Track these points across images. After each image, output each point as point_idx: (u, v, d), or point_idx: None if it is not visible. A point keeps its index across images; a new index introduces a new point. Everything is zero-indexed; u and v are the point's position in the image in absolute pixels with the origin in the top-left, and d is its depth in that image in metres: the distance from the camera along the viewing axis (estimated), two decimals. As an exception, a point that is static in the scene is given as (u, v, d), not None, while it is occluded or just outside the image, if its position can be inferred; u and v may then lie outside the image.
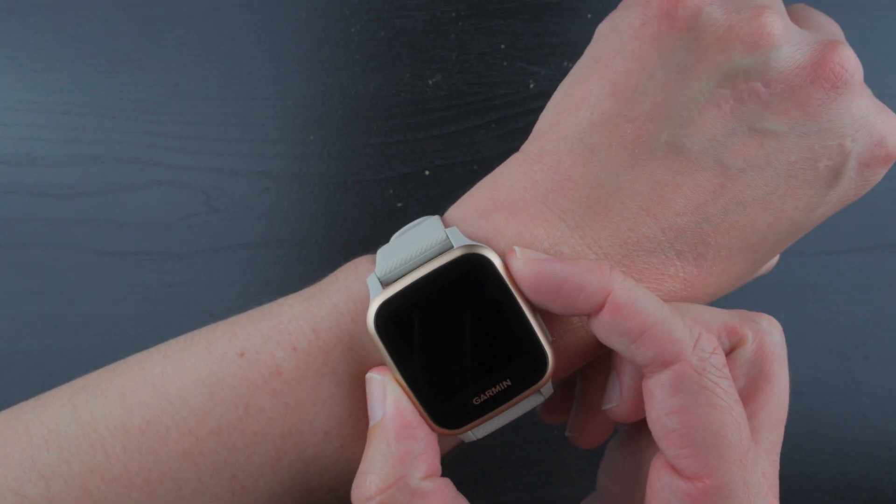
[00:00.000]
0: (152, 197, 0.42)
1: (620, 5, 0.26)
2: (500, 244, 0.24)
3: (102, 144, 0.42)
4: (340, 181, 0.42)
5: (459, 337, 0.23)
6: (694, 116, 0.24)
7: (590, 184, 0.24)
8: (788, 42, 0.24)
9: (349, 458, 0.24)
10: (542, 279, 0.22)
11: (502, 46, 0.42)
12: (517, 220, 0.24)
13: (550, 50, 0.42)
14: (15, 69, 0.42)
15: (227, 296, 0.41)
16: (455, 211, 0.25)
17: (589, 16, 0.43)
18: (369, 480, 0.21)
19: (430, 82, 0.42)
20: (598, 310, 0.22)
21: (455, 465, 0.28)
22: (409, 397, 0.22)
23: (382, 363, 0.23)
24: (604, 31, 0.26)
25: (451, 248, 0.23)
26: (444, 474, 0.23)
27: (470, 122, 0.42)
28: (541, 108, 0.27)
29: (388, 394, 0.22)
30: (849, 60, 0.24)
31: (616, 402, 0.24)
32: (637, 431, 0.26)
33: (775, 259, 0.30)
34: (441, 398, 0.23)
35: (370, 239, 0.42)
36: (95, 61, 0.42)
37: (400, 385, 0.22)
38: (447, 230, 0.24)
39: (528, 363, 0.23)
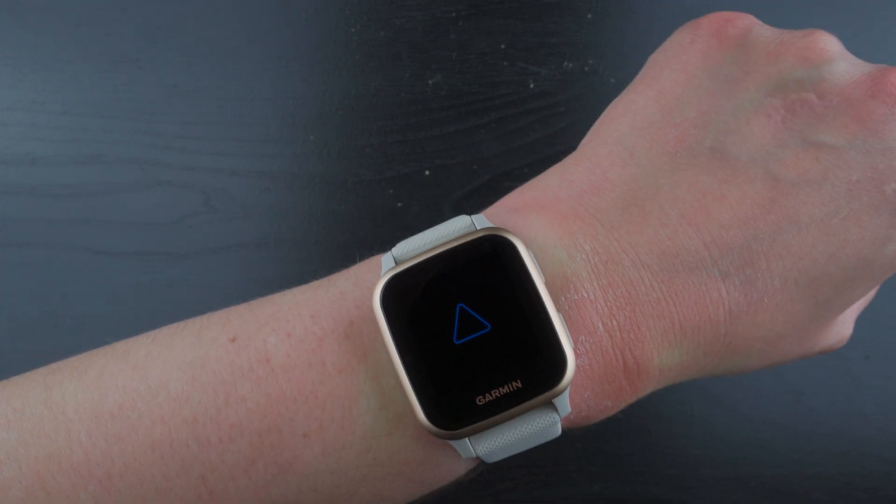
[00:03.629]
0: (152, 197, 0.42)
1: (673, 32, 0.26)
2: (528, 234, 0.22)
3: (102, 144, 0.42)
4: (340, 181, 0.42)
5: (470, 325, 0.21)
6: (741, 124, 0.23)
7: (627, 185, 0.23)
8: (843, 59, 0.23)
9: (331, 468, 0.21)
10: None
11: (502, 46, 0.42)
12: (549, 214, 0.23)
13: (550, 50, 0.42)
14: (15, 69, 0.42)
15: (227, 296, 0.41)
16: (487, 210, 0.24)
17: (589, 16, 0.43)
18: None
19: (430, 82, 0.42)
20: None
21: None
22: (404, 385, 0.20)
23: (379, 353, 0.21)
24: (654, 55, 0.26)
25: (474, 230, 0.22)
26: None
27: (470, 122, 0.42)
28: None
29: None
30: None
31: None
32: None
33: (848, 327, 0.28)
34: (441, 390, 0.20)
35: (370, 239, 0.42)
36: (95, 61, 0.42)
37: (397, 370, 0.20)
38: (473, 217, 0.22)
39: (544, 364, 0.20)
